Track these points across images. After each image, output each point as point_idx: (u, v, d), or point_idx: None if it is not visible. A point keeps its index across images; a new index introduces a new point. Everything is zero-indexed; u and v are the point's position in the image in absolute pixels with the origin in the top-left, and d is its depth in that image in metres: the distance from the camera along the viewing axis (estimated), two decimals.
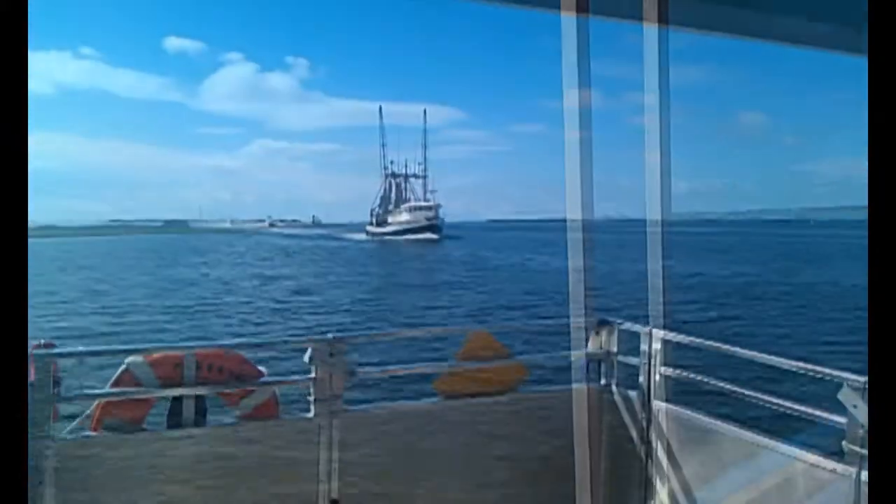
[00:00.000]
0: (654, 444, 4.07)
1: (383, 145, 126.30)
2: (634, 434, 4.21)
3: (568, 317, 4.78)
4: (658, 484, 4.01)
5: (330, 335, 3.82)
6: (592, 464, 4.01)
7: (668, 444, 3.96)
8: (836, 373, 3.07)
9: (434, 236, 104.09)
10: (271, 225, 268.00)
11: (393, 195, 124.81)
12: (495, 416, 4.22)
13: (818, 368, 3.24)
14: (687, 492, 3.83)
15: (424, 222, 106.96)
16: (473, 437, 4.15)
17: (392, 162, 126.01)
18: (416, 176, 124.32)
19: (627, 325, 4.35)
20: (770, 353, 3.60)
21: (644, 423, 4.13)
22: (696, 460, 3.81)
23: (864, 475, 2.89)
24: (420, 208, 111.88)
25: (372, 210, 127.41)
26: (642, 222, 2.22)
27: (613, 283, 34.68)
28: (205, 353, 3.71)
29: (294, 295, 34.51)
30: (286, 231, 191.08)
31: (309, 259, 67.42)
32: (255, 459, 3.66)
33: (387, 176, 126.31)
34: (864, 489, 2.88)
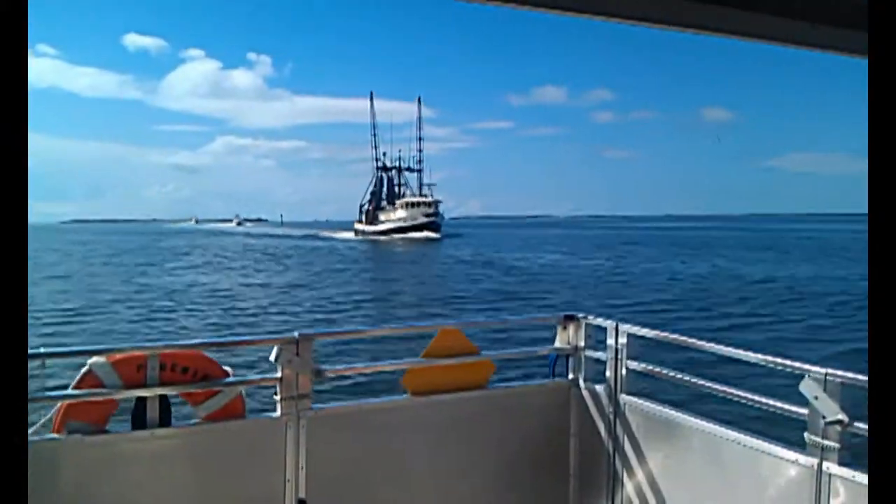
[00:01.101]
0: (620, 438, 4.05)
1: (374, 134, 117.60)
2: (602, 428, 4.18)
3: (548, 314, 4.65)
4: (625, 477, 4.00)
5: (296, 333, 3.71)
6: (561, 458, 4.30)
7: (635, 438, 3.96)
8: (797, 364, 3.12)
9: (435, 235, 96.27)
10: (239, 224, 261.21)
11: (385, 190, 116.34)
12: (464, 412, 4.14)
13: (780, 360, 3.27)
14: (652, 484, 3.84)
15: (423, 220, 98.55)
16: (441, 433, 4.10)
17: (384, 154, 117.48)
18: (410, 169, 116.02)
19: (593, 319, 4.31)
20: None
21: (611, 417, 4.11)
22: (661, 453, 3.82)
23: (826, 465, 2.96)
24: (418, 204, 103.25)
25: (361, 206, 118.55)
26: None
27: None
28: (169, 353, 3.55)
29: (331, 318, 27.25)
30: (259, 230, 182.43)
31: (306, 262, 60.04)
32: (220, 459, 3.59)
33: (377, 169, 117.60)
34: (825, 479, 2.95)
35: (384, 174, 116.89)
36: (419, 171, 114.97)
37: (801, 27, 1.80)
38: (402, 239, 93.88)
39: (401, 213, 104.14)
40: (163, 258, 64.30)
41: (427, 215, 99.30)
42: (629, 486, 3.94)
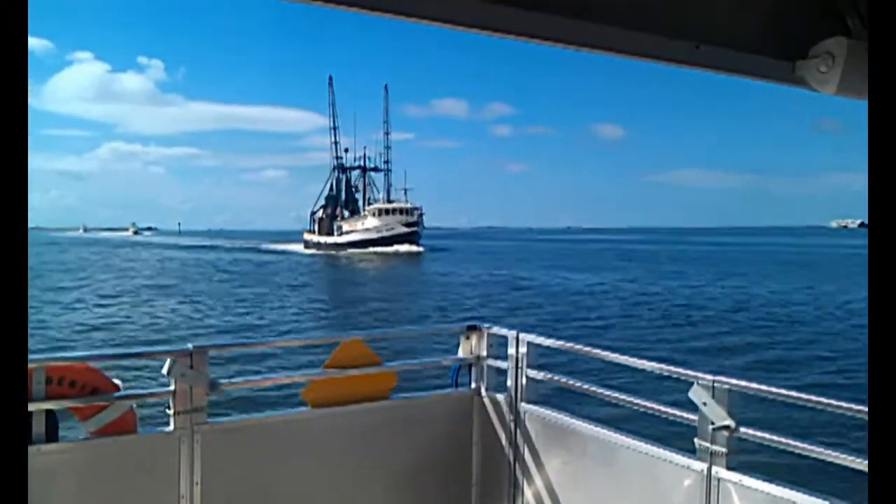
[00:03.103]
0: (521, 446, 4.11)
1: (334, 128, 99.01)
2: (503, 436, 4.24)
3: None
4: (525, 484, 4.07)
5: (190, 345, 3.61)
6: (463, 467, 4.34)
7: (534, 445, 4.03)
8: (689, 372, 3.20)
9: (416, 248, 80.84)
10: (136, 232, 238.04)
11: (344, 195, 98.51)
12: (366, 424, 4.10)
13: (672, 369, 3.39)
14: (551, 491, 3.91)
15: (402, 230, 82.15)
16: (343, 446, 4.05)
17: (346, 150, 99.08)
18: (376, 169, 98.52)
19: (496, 329, 4.34)
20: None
21: (512, 426, 4.16)
22: (559, 459, 3.92)
23: (715, 469, 3.05)
24: (394, 211, 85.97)
25: (313, 214, 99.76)
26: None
27: None
28: (55, 367, 3.43)
29: None
30: (167, 241, 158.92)
31: (288, 285, 43.90)
32: (110, 475, 3.47)
33: (335, 168, 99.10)
34: (714, 483, 3.05)
35: (342, 175, 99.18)
36: (387, 171, 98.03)
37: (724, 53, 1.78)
38: (374, 253, 77.28)
39: (372, 221, 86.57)
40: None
41: (408, 224, 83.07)
42: (528, 493, 4.02)
